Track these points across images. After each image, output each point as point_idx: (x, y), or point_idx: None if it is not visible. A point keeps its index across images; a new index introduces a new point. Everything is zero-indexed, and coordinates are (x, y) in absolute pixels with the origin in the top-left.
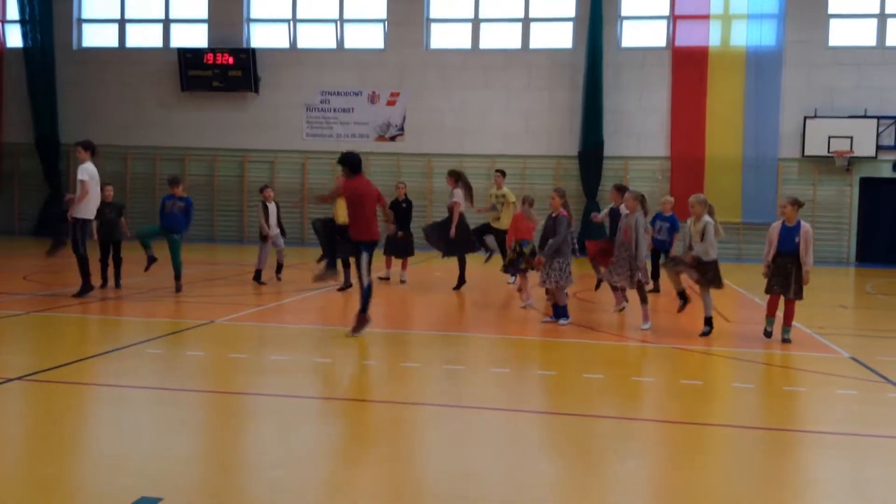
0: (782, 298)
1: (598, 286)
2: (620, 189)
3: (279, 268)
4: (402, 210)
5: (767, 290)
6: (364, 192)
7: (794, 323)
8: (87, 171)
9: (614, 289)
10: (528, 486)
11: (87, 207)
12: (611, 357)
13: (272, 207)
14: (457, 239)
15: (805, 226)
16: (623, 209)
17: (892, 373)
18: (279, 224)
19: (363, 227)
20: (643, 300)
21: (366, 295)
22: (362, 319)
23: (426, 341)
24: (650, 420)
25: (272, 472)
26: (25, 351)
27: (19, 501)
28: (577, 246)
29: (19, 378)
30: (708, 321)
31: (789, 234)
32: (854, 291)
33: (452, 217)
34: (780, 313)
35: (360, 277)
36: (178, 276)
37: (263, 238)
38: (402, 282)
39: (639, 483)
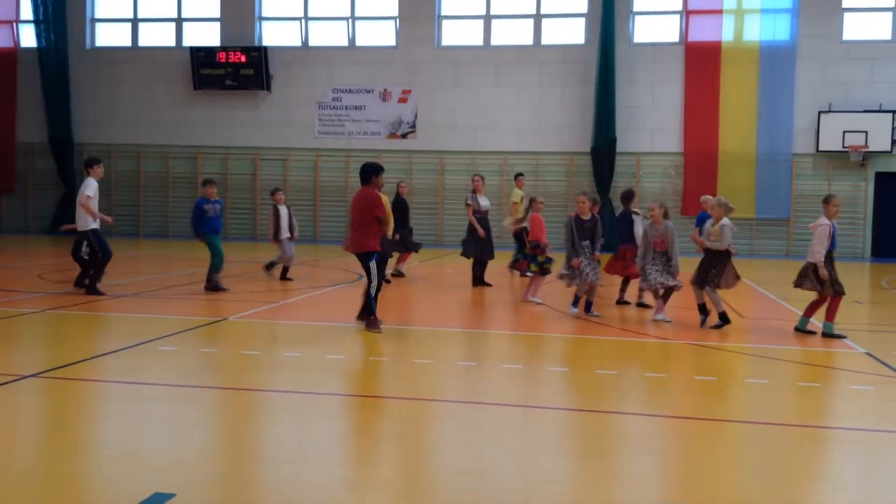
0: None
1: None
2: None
3: (284, 271)
4: (403, 207)
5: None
6: (357, 204)
7: (810, 318)
8: (92, 187)
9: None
10: (542, 482)
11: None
12: (624, 353)
13: (283, 210)
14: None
15: (817, 222)
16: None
17: None
18: (290, 228)
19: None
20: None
21: (367, 300)
22: (370, 322)
23: (439, 337)
24: (664, 416)
25: (285, 467)
26: (40, 348)
27: (34, 497)
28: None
29: (34, 375)
30: (721, 315)
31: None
32: (869, 286)
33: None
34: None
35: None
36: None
37: (277, 240)
38: (394, 276)
39: (653, 479)
